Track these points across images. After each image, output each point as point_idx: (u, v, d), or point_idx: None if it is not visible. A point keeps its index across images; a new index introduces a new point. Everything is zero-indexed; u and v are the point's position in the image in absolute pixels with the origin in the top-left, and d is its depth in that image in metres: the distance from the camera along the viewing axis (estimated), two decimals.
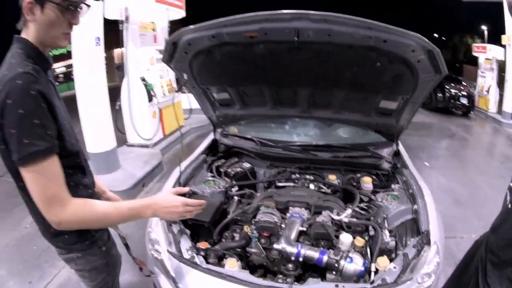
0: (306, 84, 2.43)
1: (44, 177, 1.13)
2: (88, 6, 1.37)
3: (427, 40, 1.74)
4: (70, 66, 37.51)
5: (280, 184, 2.50)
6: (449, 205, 4.62)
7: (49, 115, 1.15)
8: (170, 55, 2.25)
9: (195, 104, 7.81)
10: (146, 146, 6.61)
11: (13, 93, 1.08)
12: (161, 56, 6.69)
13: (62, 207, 1.17)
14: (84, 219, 1.24)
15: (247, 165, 2.77)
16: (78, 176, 1.37)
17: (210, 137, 3.07)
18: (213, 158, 2.86)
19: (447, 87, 11.44)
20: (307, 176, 2.52)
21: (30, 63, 1.19)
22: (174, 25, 8.06)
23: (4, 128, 1.10)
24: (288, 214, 1.98)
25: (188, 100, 7.88)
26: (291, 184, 2.47)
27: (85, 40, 4.92)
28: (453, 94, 11.37)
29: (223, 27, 1.99)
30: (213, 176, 2.58)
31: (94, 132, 5.25)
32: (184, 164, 2.57)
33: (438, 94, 11.52)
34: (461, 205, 4.69)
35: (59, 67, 38.67)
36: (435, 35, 40.96)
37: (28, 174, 1.12)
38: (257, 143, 2.83)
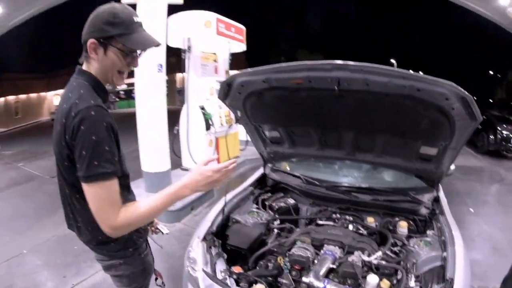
0: (349, 129, 2.56)
1: (106, 194, 1.28)
2: (145, 51, 1.50)
3: (460, 88, 1.80)
4: (131, 84, 39.73)
5: (320, 222, 2.59)
6: (487, 254, 4.41)
7: (115, 143, 1.34)
8: (225, 94, 2.53)
9: None
10: None
11: (87, 121, 1.25)
12: None
13: (116, 217, 1.29)
14: (135, 220, 1.36)
15: (291, 201, 2.89)
16: (125, 194, 1.50)
17: (260, 170, 3.24)
18: (260, 191, 3.02)
19: (499, 128, 10.68)
20: (347, 217, 2.60)
21: (97, 95, 1.37)
22: (236, 57, 8.51)
23: (75, 149, 1.28)
24: (322, 251, 2.08)
25: (245, 132, 8.20)
26: (331, 223, 2.56)
27: (148, 67, 5.33)
28: (505, 136, 10.55)
29: (272, 73, 2.21)
30: (257, 208, 2.75)
31: (151, 153, 5.67)
32: (233, 193, 2.77)
33: (490, 136, 10.78)
34: (499, 254, 4.48)
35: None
36: (490, 72, 39.11)
37: (91, 189, 1.28)
38: (303, 181, 2.92)
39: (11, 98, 36.72)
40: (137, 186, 5.88)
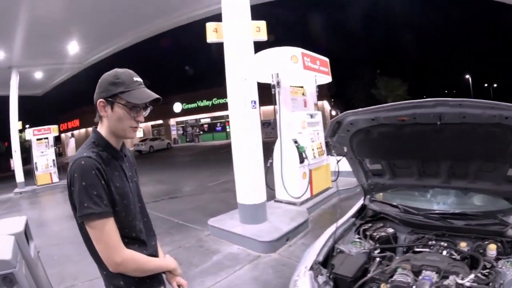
0: (446, 158, 2.76)
1: (100, 232, 1.51)
2: (150, 107, 1.76)
3: None
4: (214, 118, 41.51)
5: (417, 250, 2.72)
6: None
7: (106, 189, 1.54)
8: (334, 131, 2.89)
9: (343, 167, 8.25)
10: (294, 204, 7.15)
11: (78, 170, 1.49)
12: (312, 120, 7.39)
13: (116, 254, 1.53)
14: (135, 268, 1.62)
15: (390, 230, 3.02)
16: (135, 247, 1.66)
17: (360, 202, 3.47)
18: (361, 222, 3.23)
19: None
20: (441, 243, 2.71)
21: (96, 150, 1.61)
22: (321, 89, 8.79)
23: (73, 194, 1.51)
24: (420, 277, 2.21)
25: (336, 163, 8.38)
26: (427, 249, 2.67)
27: (242, 103, 5.82)
28: None
29: (381, 111, 2.54)
30: (359, 238, 2.95)
31: (247, 185, 6.03)
32: (336, 224, 3.01)
33: None
34: None
35: (204, 118, 43.15)
36: None
37: (89, 229, 1.52)
38: (401, 210, 3.07)
39: (90, 129, 41.52)
40: (231, 218, 6.31)
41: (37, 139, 17.86)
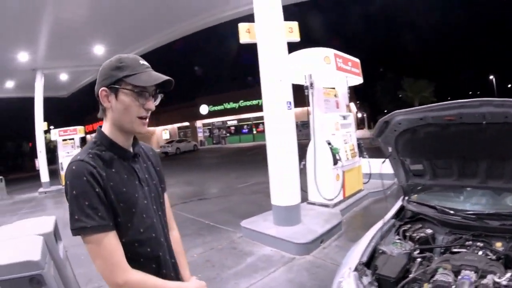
0: (485, 158, 2.81)
1: (97, 248, 1.30)
2: (161, 94, 1.56)
3: None
4: (241, 120, 41.94)
5: (455, 250, 2.73)
6: None
7: (103, 197, 1.32)
8: (381, 131, 2.95)
9: (374, 169, 8.22)
10: (326, 206, 7.16)
11: (69, 176, 1.32)
12: (344, 121, 7.43)
13: (117, 274, 1.32)
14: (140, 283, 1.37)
15: (429, 231, 3.05)
16: (147, 269, 1.43)
17: (399, 203, 3.48)
18: (400, 223, 3.23)
19: None
20: (478, 243, 2.72)
21: (96, 151, 1.41)
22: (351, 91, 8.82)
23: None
24: (459, 276, 2.24)
25: (368, 165, 8.43)
26: (464, 250, 2.69)
27: (277, 104, 5.87)
28: None
29: (429, 111, 2.59)
30: (399, 239, 2.96)
31: (281, 187, 6.06)
32: (377, 226, 3.07)
33: None
34: None
35: (231, 120, 43.67)
36: None
37: (85, 244, 1.32)
38: (438, 211, 3.09)
39: None
40: (264, 219, 6.34)
41: (63, 140, 18.53)
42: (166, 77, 1.47)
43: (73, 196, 1.29)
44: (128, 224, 1.40)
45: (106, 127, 1.49)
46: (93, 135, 1.54)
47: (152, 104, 1.50)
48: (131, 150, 1.56)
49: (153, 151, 1.83)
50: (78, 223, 1.28)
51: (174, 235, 1.82)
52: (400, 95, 41.23)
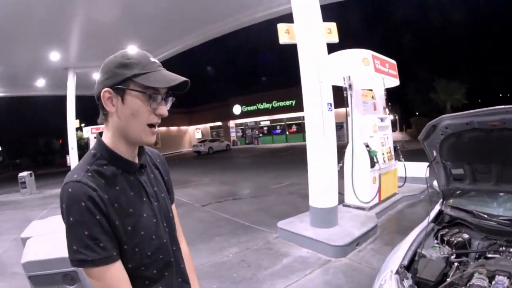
0: None
1: (100, 282, 1.16)
2: (173, 98, 1.33)
3: None
4: (274, 120, 42.02)
5: (489, 255, 2.78)
6: None
7: (106, 225, 1.16)
8: (428, 135, 3.06)
9: (411, 173, 8.21)
10: (362, 209, 7.20)
11: (65, 199, 1.13)
12: (382, 124, 7.47)
13: None
14: None
15: (465, 235, 3.11)
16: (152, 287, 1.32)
17: (437, 207, 3.54)
18: (439, 227, 3.31)
19: None
20: (511, 249, 2.75)
21: (95, 167, 1.22)
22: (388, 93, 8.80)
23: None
24: (493, 282, 2.31)
25: (404, 168, 8.46)
26: (498, 255, 2.73)
27: (318, 106, 5.95)
28: None
29: (475, 116, 2.67)
30: (438, 243, 3.04)
31: (320, 188, 6.15)
32: (418, 229, 3.16)
33: None
34: None
35: (263, 120, 43.77)
36: None
37: (88, 276, 1.17)
38: (475, 215, 3.15)
39: None
40: (301, 221, 6.44)
41: (95, 137, 18.94)
42: (183, 78, 1.25)
43: (70, 224, 1.12)
44: (136, 249, 1.24)
45: (107, 136, 1.29)
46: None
47: (165, 109, 1.28)
48: (136, 161, 1.36)
49: (161, 157, 1.62)
50: (77, 255, 1.12)
51: (183, 249, 1.63)
52: (432, 97, 40.23)
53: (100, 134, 1.33)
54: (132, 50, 1.26)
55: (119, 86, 1.19)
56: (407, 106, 48.35)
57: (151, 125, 1.26)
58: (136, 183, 1.31)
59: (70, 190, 1.14)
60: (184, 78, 1.25)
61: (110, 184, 1.22)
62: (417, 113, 47.31)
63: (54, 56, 16.17)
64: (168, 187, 1.55)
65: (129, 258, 1.23)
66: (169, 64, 20.75)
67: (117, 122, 1.24)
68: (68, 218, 1.12)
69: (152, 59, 1.26)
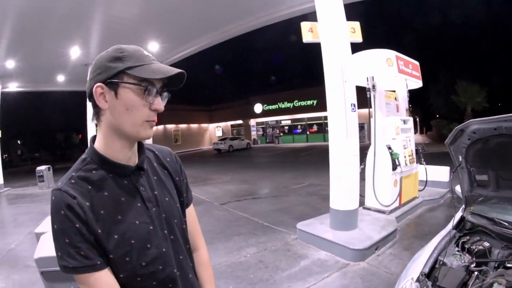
0: None
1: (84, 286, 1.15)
2: (168, 94, 1.29)
3: None
4: (295, 120, 42.08)
5: (509, 265, 2.71)
6: None
7: (86, 233, 1.14)
8: (455, 139, 3.04)
9: (431, 177, 8.13)
10: (383, 212, 7.14)
11: (51, 207, 1.14)
12: (404, 126, 7.40)
13: None
14: None
15: (486, 244, 3.06)
16: None
17: (459, 213, 3.48)
18: (460, 234, 3.26)
19: None
20: None
21: (82, 173, 1.20)
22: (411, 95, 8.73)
23: None
24: None
25: (425, 172, 8.40)
26: None
27: (342, 106, 5.93)
28: None
29: (503, 121, 2.63)
30: (458, 251, 3.00)
31: (341, 191, 6.12)
32: (440, 235, 3.14)
33: None
34: None
35: (284, 119, 43.80)
36: None
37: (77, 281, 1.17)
38: (497, 223, 3.08)
39: (170, 126, 44.63)
40: (321, 223, 6.44)
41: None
42: (179, 70, 1.19)
43: (54, 231, 1.13)
44: (126, 258, 1.19)
45: (100, 138, 1.26)
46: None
47: (161, 104, 1.23)
48: (136, 161, 1.32)
49: (172, 155, 1.52)
50: (61, 261, 1.13)
51: (200, 256, 1.57)
52: (453, 100, 39.59)
53: (94, 137, 1.30)
54: (125, 45, 1.21)
55: (113, 80, 1.15)
56: (428, 109, 47.73)
57: (147, 121, 1.22)
58: (129, 187, 1.25)
59: (53, 198, 1.14)
60: (179, 70, 1.19)
61: (97, 189, 1.19)
62: (437, 116, 46.62)
63: (75, 52, 16.43)
64: (181, 189, 1.47)
65: (120, 267, 1.19)
66: (189, 62, 21.03)
67: (110, 120, 1.19)
68: (52, 225, 1.13)
69: (146, 53, 1.22)
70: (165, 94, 1.26)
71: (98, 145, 1.25)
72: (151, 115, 1.21)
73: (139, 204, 1.25)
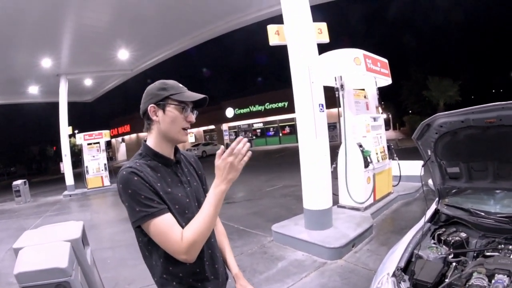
0: None
1: (158, 230, 1.51)
2: (196, 112, 1.81)
3: None
4: (267, 122, 42.22)
5: (488, 254, 2.72)
6: None
7: (154, 191, 1.56)
8: (422, 133, 3.00)
9: (405, 172, 8.21)
10: (357, 209, 7.16)
11: (122, 180, 1.55)
12: (375, 123, 7.44)
13: (179, 241, 1.51)
14: (197, 231, 1.53)
15: (463, 234, 3.05)
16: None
17: (433, 206, 3.48)
18: (435, 227, 3.25)
19: None
20: (510, 246, 2.71)
21: (142, 161, 1.67)
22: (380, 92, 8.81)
23: (124, 204, 1.57)
24: (493, 281, 2.24)
25: (398, 168, 8.49)
26: (496, 253, 2.67)
27: (310, 107, 5.89)
28: None
29: (470, 114, 2.62)
30: (435, 243, 2.98)
31: (313, 191, 6.08)
32: (414, 229, 3.12)
33: None
34: None
35: (256, 123, 43.91)
36: None
37: (148, 230, 1.54)
38: (472, 214, 3.10)
39: (143, 134, 44.93)
40: (295, 223, 6.39)
41: (88, 144, 19.03)
42: (203, 95, 1.75)
43: (129, 195, 1.53)
44: (175, 201, 1.65)
45: (151, 140, 1.76)
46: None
47: (193, 117, 1.78)
48: (173, 158, 1.81)
49: (195, 158, 2.09)
50: (140, 213, 1.51)
51: (219, 228, 2.08)
52: (425, 95, 40.37)
53: (145, 140, 1.79)
54: (165, 80, 1.76)
55: (161, 102, 1.69)
56: (400, 105, 48.64)
57: (184, 129, 1.75)
58: (172, 173, 1.76)
59: (124, 173, 1.56)
60: (203, 95, 1.75)
61: (153, 171, 1.66)
62: (410, 112, 47.51)
63: (46, 62, 16.13)
64: (202, 179, 1.99)
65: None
66: (161, 68, 20.81)
67: (160, 128, 1.72)
68: (127, 191, 1.53)
69: (180, 85, 1.77)
70: (195, 111, 1.82)
71: (150, 145, 1.75)
72: (186, 124, 1.75)
73: (179, 184, 1.75)
